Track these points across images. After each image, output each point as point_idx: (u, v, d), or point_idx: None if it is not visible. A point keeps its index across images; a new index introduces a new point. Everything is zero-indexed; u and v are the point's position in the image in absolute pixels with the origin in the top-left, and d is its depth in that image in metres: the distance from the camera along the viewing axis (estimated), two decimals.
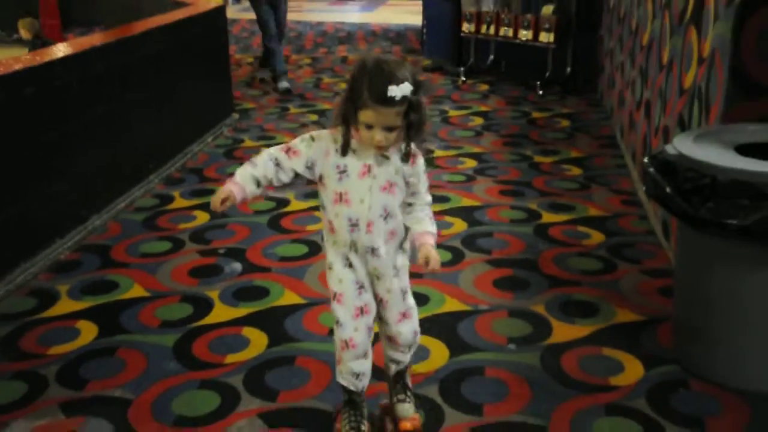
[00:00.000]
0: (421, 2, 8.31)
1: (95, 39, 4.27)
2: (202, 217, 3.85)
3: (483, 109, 6.11)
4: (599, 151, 4.92)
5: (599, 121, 5.67)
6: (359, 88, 1.80)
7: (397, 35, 10.42)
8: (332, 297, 2.04)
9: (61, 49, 3.82)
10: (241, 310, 2.93)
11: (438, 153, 4.78)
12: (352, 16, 12.91)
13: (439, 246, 3.39)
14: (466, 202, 4.02)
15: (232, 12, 11.57)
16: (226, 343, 2.70)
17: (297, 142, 1.96)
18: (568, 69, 6.57)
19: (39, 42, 6.66)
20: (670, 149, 2.41)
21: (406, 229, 2.03)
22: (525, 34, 6.57)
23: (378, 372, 2.21)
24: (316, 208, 3.87)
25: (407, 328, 2.10)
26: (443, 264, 3.24)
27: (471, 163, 4.68)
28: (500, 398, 2.37)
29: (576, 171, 4.53)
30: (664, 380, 2.45)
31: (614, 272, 3.21)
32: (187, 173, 4.56)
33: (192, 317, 2.89)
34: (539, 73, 6.62)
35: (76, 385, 2.46)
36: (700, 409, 2.31)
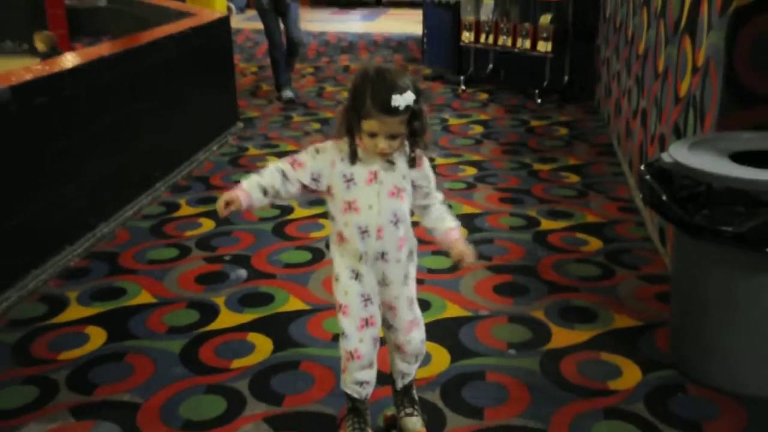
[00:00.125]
0: (421, 12, 8.33)
1: (103, 49, 4.29)
2: (208, 225, 3.86)
3: (483, 117, 6.12)
4: (597, 159, 4.93)
5: (596, 129, 5.68)
6: (362, 97, 1.80)
7: (398, 44, 10.44)
8: (338, 308, 2.03)
9: (70, 60, 3.84)
10: (247, 316, 2.94)
11: (439, 161, 4.80)
12: (354, 25, 12.94)
13: (439, 253, 3.42)
14: (467, 209, 4.03)
15: (236, 22, 11.60)
16: (231, 349, 2.70)
17: (302, 155, 1.96)
18: (566, 78, 6.58)
19: (54, 55, 6.67)
20: (666, 157, 2.42)
21: (424, 228, 2.03)
22: (523, 44, 6.60)
23: (382, 378, 2.22)
24: (320, 216, 3.89)
25: (417, 336, 2.10)
26: (445, 270, 3.28)
27: (471, 171, 4.69)
28: (500, 402, 2.37)
29: (574, 178, 4.54)
30: (662, 384, 2.46)
31: (612, 278, 3.21)
32: (193, 181, 4.58)
33: (198, 323, 2.89)
34: (537, 81, 6.63)
35: (85, 390, 2.47)
36: (697, 413, 2.31)
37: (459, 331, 2.79)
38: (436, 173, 2.06)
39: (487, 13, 7.06)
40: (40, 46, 6.81)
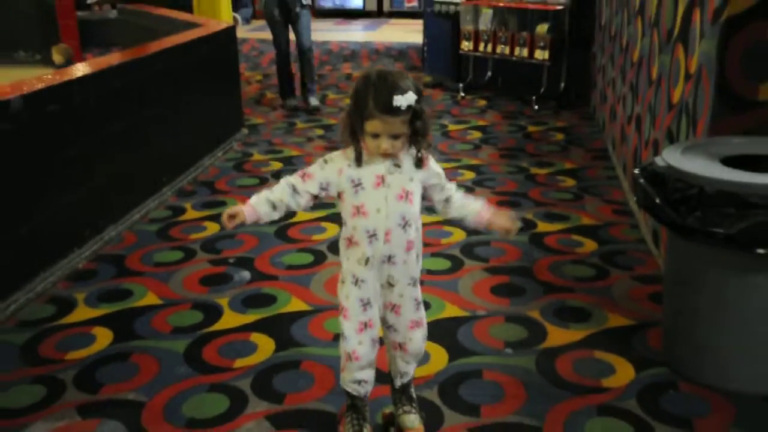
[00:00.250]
0: (421, 22, 8.33)
1: (113, 58, 4.30)
2: (212, 228, 3.86)
3: (481, 123, 6.12)
4: (592, 163, 4.92)
5: (592, 134, 5.67)
6: (364, 99, 1.80)
7: (399, 53, 10.45)
8: (340, 309, 2.04)
9: (80, 69, 3.84)
10: (250, 317, 2.93)
11: None
12: (356, 35, 12.95)
13: (438, 254, 3.41)
14: None
15: (242, 32, 11.63)
16: (234, 349, 2.70)
17: (312, 167, 1.97)
18: (562, 85, 6.58)
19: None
20: (659, 161, 2.41)
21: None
22: (521, 52, 6.60)
23: (381, 376, 2.21)
24: (322, 219, 3.89)
25: (418, 336, 2.08)
26: (443, 272, 3.27)
27: (470, 175, 4.68)
28: (497, 400, 2.36)
29: (570, 182, 4.53)
30: (654, 382, 2.44)
31: (606, 279, 3.20)
32: (199, 186, 4.57)
33: (202, 324, 2.89)
34: (534, 88, 6.63)
35: (92, 389, 2.46)
36: (688, 410, 2.30)
37: (457, 331, 2.79)
38: None
39: (485, 22, 7.06)
40: (57, 58, 6.83)
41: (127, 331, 2.84)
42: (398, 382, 2.17)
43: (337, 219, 3.76)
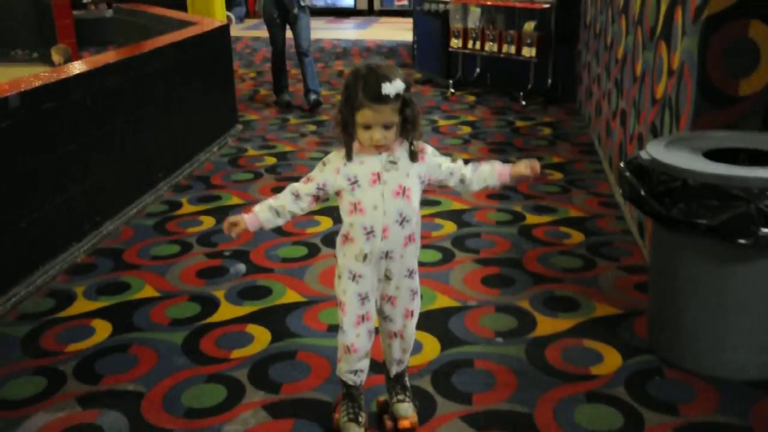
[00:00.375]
0: (411, 20, 8.32)
1: (109, 57, 4.26)
2: (208, 222, 3.85)
3: (470, 118, 6.11)
4: (579, 157, 4.93)
5: (578, 129, 5.68)
6: (354, 91, 1.79)
7: (389, 51, 10.43)
8: (338, 303, 2.03)
9: (77, 67, 3.81)
10: (246, 309, 2.92)
11: None
12: (348, 33, 12.91)
13: (430, 246, 3.41)
14: (456, 205, 4.02)
15: (235, 30, 11.57)
16: (231, 340, 2.69)
17: (314, 171, 1.97)
18: (549, 81, 6.58)
19: None
20: (644, 155, 2.42)
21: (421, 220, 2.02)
22: (509, 49, 6.59)
23: (375, 365, 2.21)
24: (316, 213, 3.88)
25: (410, 325, 2.09)
26: (435, 263, 3.27)
27: None
28: (488, 388, 2.37)
29: (557, 175, 4.53)
30: (641, 369, 2.46)
31: (594, 269, 3.21)
32: (194, 181, 4.55)
33: (199, 315, 2.88)
34: (522, 84, 6.63)
35: (92, 380, 2.46)
36: (673, 396, 2.31)
37: (449, 321, 2.79)
38: None
39: (474, 20, 7.05)
40: (56, 58, 6.78)
41: (125, 323, 2.83)
42: (393, 371, 2.17)
43: (330, 213, 3.77)
